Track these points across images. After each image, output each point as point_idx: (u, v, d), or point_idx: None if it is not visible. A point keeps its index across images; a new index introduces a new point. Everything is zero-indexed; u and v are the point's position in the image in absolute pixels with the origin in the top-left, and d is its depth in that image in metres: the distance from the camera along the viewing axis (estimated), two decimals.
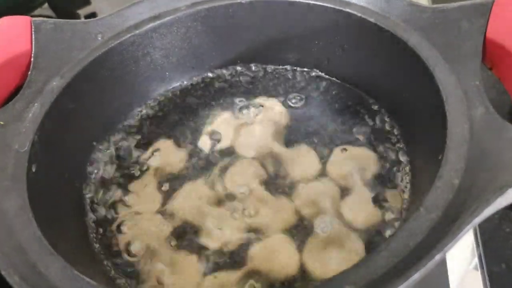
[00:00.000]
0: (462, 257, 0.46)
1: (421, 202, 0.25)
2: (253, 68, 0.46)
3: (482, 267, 0.45)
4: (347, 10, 0.38)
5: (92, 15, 0.81)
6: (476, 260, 0.47)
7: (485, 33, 0.31)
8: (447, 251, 0.22)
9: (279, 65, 0.45)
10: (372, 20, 0.36)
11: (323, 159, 0.38)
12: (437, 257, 0.21)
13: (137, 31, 0.40)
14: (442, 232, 0.23)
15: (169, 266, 0.33)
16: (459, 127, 0.27)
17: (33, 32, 0.38)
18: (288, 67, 0.45)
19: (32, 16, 0.71)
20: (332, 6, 0.38)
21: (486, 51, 0.31)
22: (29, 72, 0.36)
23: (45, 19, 0.39)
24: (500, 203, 0.23)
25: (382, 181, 0.35)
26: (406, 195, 0.34)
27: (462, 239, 0.48)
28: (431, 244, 0.22)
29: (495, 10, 0.31)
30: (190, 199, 0.37)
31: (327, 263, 0.31)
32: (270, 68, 0.45)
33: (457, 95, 0.29)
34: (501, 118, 0.26)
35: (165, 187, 0.38)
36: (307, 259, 0.32)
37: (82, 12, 0.79)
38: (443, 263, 0.45)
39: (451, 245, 0.22)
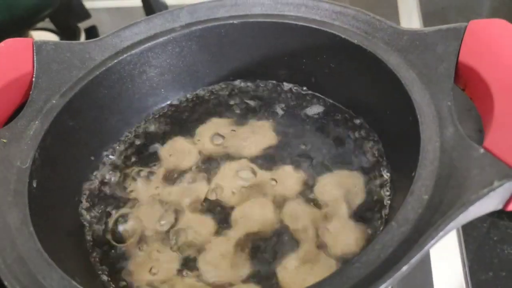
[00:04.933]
0: (448, 266, 0.48)
1: (393, 217, 0.26)
2: (245, 84, 0.48)
3: (466, 276, 0.47)
4: (331, 31, 0.39)
5: (92, 28, 0.83)
6: (461, 269, 0.48)
7: (458, 56, 0.33)
8: (414, 263, 0.24)
9: (269, 82, 0.47)
10: (355, 41, 0.38)
11: (309, 180, 0.39)
12: (404, 268, 0.23)
13: (133, 51, 0.42)
14: (412, 244, 0.25)
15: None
16: (431, 146, 0.29)
17: (34, 53, 0.39)
18: (278, 83, 0.47)
19: (34, 29, 0.73)
20: (317, 27, 0.40)
21: (459, 73, 0.33)
22: (31, 92, 0.38)
23: (46, 40, 0.41)
24: (463, 218, 0.25)
25: (366, 201, 0.37)
26: (386, 212, 0.35)
27: (449, 248, 0.50)
28: (400, 256, 0.24)
29: (467, 35, 0.33)
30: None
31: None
32: (261, 84, 0.47)
33: (431, 115, 0.31)
34: (468, 138, 0.28)
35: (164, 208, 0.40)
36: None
37: (83, 25, 0.81)
38: (428, 273, 0.47)
39: (417, 257, 0.24)
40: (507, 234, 0.51)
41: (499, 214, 0.51)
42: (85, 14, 0.82)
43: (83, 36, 0.78)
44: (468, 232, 0.51)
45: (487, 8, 0.85)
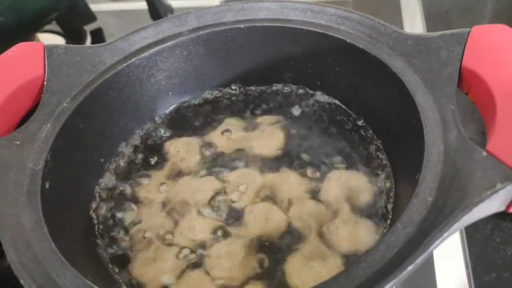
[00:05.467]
0: (452, 267, 0.48)
1: (398, 218, 0.27)
2: (251, 87, 0.48)
3: (469, 277, 0.47)
4: (337, 36, 0.40)
5: (98, 30, 0.84)
6: (464, 270, 0.48)
7: (461, 60, 0.33)
8: (419, 263, 0.25)
9: (275, 85, 0.48)
10: (360, 45, 0.39)
11: (315, 180, 0.40)
12: (409, 268, 0.24)
13: (142, 55, 0.43)
14: (416, 245, 0.25)
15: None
16: (435, 149, 0.30)
17: (46, 57, 0.40)
18: (284, 86, 0.48)
19: (41, 32, 0.74)
20: (322, 31, 0.41)
21: (462, 77, 0.33)
22: (42, 95, 0.39)
23: (56, 44, 0.41)
24: (466, 220, 0.25)
25: (371, 202, 0.38)
26: (390, 215, 0.36)
27: (453, 249, 0.50)
28: (405, 257, 0.25)
29: (470, 40, 0.34)
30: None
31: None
32: (266, 87, 0.48)
33: (434, 119, 0.31)
34: (471, 141, 0.28)
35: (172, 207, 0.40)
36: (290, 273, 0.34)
37: (89, 28, 0.82)
38: (431, 273, 0.47)
39: (422, 257, 0.24)
40: (510, 236, 0.51)
41: (502, 216, 0.51)
42: (91, 17, 0.83)
43: (89, 39, 0.79)
44: (472, 234, 0.51)
45: (490, 11, 0.85)
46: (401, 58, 0.36)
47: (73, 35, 0.80)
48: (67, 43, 0.79)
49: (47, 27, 0.73)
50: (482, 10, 0.85)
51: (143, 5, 0.78)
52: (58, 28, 0.80)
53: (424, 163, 0.29)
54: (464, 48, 0.34)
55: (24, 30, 0.64)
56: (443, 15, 0.83)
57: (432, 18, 0.79)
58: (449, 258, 0.49)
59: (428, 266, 0.48)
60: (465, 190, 0.26)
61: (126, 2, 0.89)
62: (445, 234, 0.25)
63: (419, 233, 0.26)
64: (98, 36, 0.82)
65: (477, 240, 0.51)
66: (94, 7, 0.83)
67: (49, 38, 0.79)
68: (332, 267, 0.34)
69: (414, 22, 0.77)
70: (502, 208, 0.27)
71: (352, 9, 0.41)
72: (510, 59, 0.31)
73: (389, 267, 0.25)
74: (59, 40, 0.79)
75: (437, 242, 0.25)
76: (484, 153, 0.27)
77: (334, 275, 0.25)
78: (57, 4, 0.65)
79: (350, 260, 0.35)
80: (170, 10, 0.77)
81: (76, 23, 0.81)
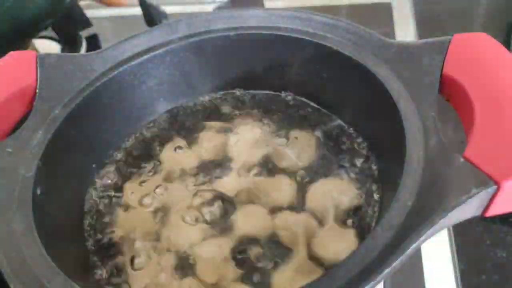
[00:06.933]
0: (440, 270, 0.49)
1: (378, 223, 0.28)
2: (241, 93, 0.49)
3: (457, 280, 0.48)
4: (324, 43, 0.41)
5: (94, 37, 0.84)
6: (452, 273, 0.49)
7: (443, 68, 0.34)
8: (396, 267, 0.25)
9: (264, 91, 0.49)
10: (346, 53, 0.40)
11: (301, 188, 0.40)
12: (386, 271, 0.25)
13: (133, 62, 0.43)
14: (395, 249, 0.26)
15: None
16: (415, 155, 0.30)
17: (38, 66, 0.41)
18: (273, 92, 0.48)
19: (35, 38, 0.75)
20: (310, 39, 0.42)
21: (443, 84, 0.34)
22: (34, 103, 0.39)
23: (48, 53, 0.42)
24: (443, 224, 0.26)
25: (356, 208, 0.38)
26: (375, 219, 0.37)
27: (442, 252, 0.51)
28: (383, 260, 0.26)
29: (451, 48, 0.34)
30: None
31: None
32: (255, 93, 0.49)
33: (416, 125, 0.32)
34: (449, 147, 0.29)
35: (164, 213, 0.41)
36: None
37: (84, 34, 0.83)
38: (420, 276, 0.48)
39: (399, 261, 0.25)
40: (500, 238, 0.52)
41: (492, 218, 0.52)
42: (86, 22, 0.83)
43: (84, 45, 0.80)
44: (461, 236, 0.52)
45: (482, 15, 0.86)
46: (385, 65, 0.37)
47: (69, 41, 0.81)
48: (62, 49, 0.80)
49: (42, 33, 0.74)
50: (475, 15, 0.85)
51: (138, 11, 0.79)
52: (53, 34, 0.81)
53: (405, 168, 0.30)
54: (445, 56, 0.34)
55: (20, 37, 0.65)
56: (435, 19, 0.84)
57: (424, 24, 0.80)
58: (437, 260, 0.49)
59: (417, 269, 0.49)
60: (442, 195, 0.27)
61: (121, 8, 0.90)
62: (422, 238, 0.26)
63: (397, 237, 0.27)
64: (93, 42, 0.83)
65: (467, 243, 0.52)
66: (89, 13, 0.84)
67: (44, 44, 0.79)
68: (314, 276, 0.34)
69: (406, 28, 0.78)
70: (478, 213, 0.28)
71: (345, 15, 0.42)
72: (489, 67, 0.32)
73: (367, 270, 0.25)
74: (54, 46, 0.80)
75: (414, 245, 0.25)
76: (462, 159, 0.28)
77: (314, 280, 0.26)
78: (53, 11, 0.66)
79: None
80: (164, 16, 0.78)
81: (71, 29, 0.82)
